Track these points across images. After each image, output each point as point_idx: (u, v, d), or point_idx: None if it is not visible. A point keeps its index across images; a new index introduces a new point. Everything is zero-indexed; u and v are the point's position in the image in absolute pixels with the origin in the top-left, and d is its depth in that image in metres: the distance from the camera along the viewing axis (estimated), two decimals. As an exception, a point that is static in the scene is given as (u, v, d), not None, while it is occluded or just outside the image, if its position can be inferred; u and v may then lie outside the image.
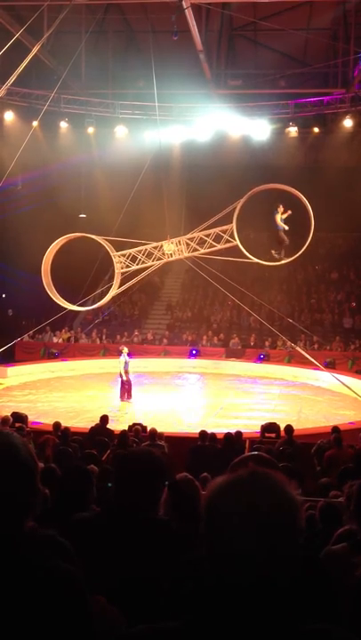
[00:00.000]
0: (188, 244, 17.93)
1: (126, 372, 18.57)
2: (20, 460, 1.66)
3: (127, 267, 18.00)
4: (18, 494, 1.63)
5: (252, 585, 1.21)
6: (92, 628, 1.63)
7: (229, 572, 1.23)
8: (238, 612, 1.22)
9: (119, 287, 18.20)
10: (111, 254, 18.01)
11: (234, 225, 17.18)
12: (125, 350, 19.17)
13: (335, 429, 10.51)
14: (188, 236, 18.05)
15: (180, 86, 20.61)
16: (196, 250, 17.88)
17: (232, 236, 17.27)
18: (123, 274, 18.06)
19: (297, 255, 17.74)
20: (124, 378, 18.55)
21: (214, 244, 17.56)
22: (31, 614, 1.53)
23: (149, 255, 18.06)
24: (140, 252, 18.06)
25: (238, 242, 17.14)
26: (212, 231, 17.63)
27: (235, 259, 18.07)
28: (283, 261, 17.93)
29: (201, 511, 1.32)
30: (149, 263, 18.00)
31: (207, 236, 17.68)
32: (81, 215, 26.66)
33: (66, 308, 18.76)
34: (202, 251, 17.81)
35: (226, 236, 17.33)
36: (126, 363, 18.56)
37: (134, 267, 18.01)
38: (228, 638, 1.23)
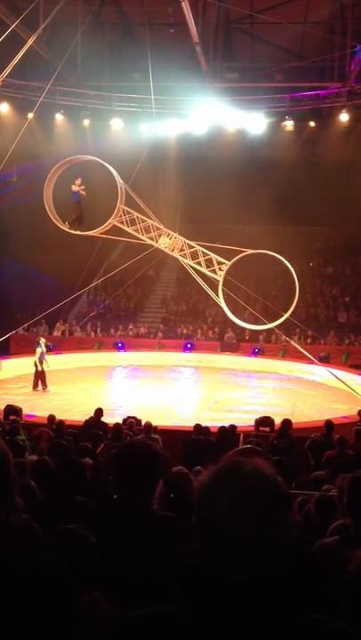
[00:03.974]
0: (181, 249, 17.88)
1: (41, 363, 18.81)
2: None
3: (123, 222, 17.81)
4: None
5: (243, 567, 1.25)
6: (74, 619, 1.63)
7: (219, 556, 1.26)
8: (232, 596, 1.25)
9: (103, 231, 17.95)
10: (119, 195, 17.73)
11: (221, 281, 17.19)
12: (43, 341, 19.45)
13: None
14: (190, 243, 17.93)
15: (177, 79, 20.51)
16: (184, 256, 17.84)
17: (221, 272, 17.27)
18: (115, 226, 17.86)
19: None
20: (39, 368, 18.80)
21: (200, 268, 17.52)
22: (11, 602, 1.54)
23: (147, 230, 17.91)
24: (142, 220, 17.90)
25: (221, 281, 17.19)
26: (210, 255, 17.53)
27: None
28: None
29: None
30: (143, 237, 17.85)
31: (203, 254, 17.61)
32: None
33: (60, 302, 18.71)
34: (187, 261, 17.77)
35: (216, 267, 17.32)
36: (42, 353, 18.85)
37: (128, 229, 17.79)
38: (225, 622, 1.26)
